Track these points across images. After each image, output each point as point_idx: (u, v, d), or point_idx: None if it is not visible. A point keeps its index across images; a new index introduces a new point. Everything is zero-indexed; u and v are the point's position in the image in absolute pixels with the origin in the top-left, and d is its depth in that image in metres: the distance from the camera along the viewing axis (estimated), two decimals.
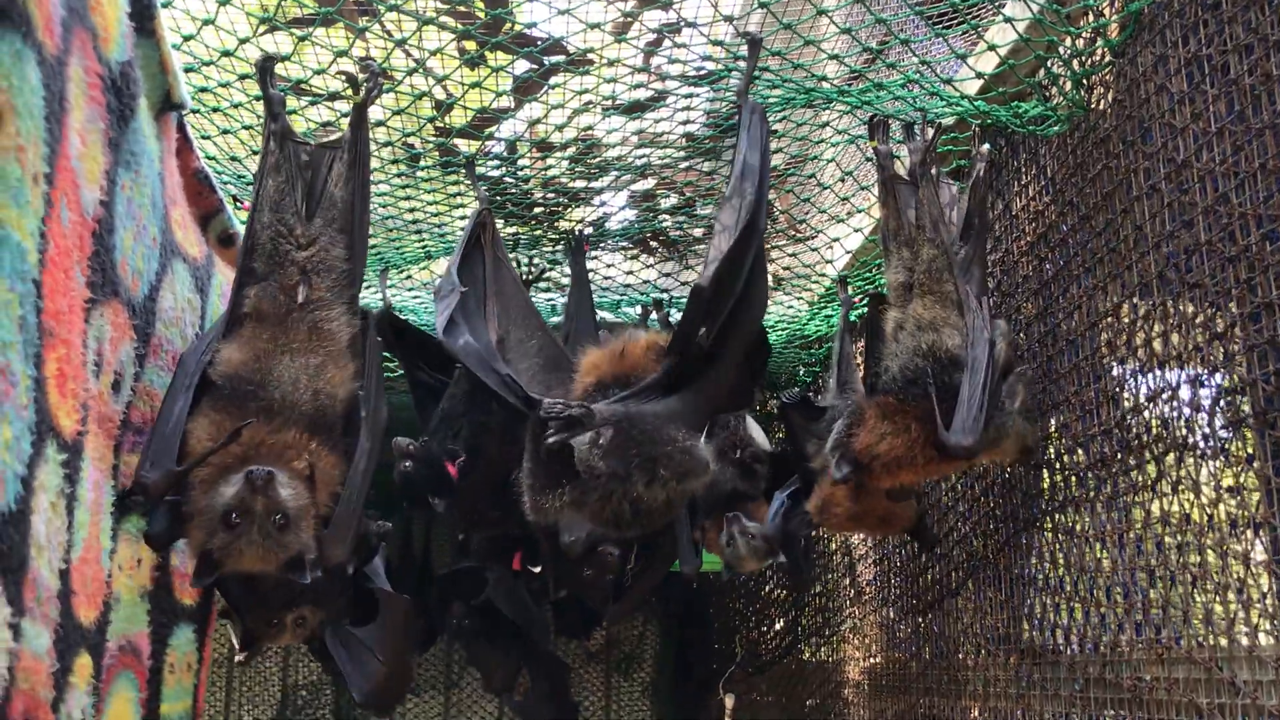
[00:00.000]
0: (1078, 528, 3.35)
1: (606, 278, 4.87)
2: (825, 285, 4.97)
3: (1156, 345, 2.91)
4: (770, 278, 5.00)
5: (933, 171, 3.38)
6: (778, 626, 6.70)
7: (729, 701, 7.03)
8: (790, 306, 5.23)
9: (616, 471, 2.58)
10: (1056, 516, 3.48)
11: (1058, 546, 3.42)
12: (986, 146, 3.63)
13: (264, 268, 2.89)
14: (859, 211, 4.33)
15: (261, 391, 2.80)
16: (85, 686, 2.57)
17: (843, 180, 4.29)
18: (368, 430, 2.95)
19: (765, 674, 6.77)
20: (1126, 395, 3.10)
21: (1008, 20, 3.16)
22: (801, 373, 6.12)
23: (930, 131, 3.49)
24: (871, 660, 5.17)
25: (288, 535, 2.71)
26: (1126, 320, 3.09)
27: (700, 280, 2.82)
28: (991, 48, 3.27)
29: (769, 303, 5.05)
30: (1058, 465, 3.45)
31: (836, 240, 4.58)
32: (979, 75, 3.35)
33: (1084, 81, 3.28)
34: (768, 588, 6.74)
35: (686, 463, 2.67)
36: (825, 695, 5.87)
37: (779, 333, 5.44)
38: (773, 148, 3.98)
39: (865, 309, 4.92)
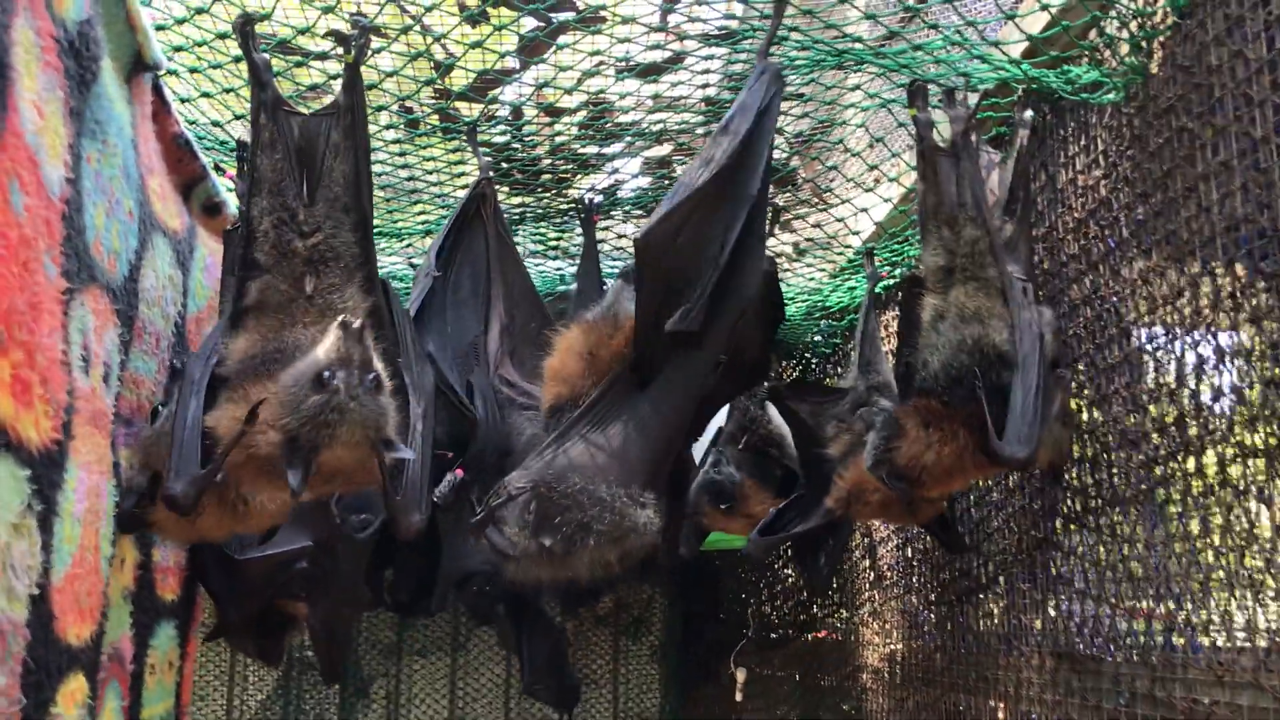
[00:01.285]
0: (1123, 529, 3.11)
1: (618, 248, 4.61)
2: (849, 255, 4.70)
3: (1224, 339, 2.65)
4: (791, 247, 4.74)
5: (974, 142, 3.10)
6: (791, 603, 6.51)
7: (740, 675, 6.86)
8: (811, 279, 4.95)
9: (545, 546, 2.55)
10: (1102, 516, 3.23)
11: (1102, 547, 3.17)
12: (1030, 113, 3.35)
13: (267, 259, 2.62)
14: (890, 180, 4.05)
15: (277, 358, 2.49)
16: (76, 712, 2.37)
17: (871, 146, 4.01)
18: (416, 397, 2.69)
19: (779, 649, 6.58)
20: (1186, 391, 2.84)
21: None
22: (821, 343, 5.87)
23: (973, 99, 3.21)
24: (892, 647, 4.96)
25: (381, 398, 2.38)
26: (1188, 310, 2.82)
27: (641, 231, 2.59)
28: (1044, 6, 2.97)
29: (785, 272, 4.81)
30: (1105, 461, 3.20)
31: (864, 211, 4.29)
32: (1028, 38, 3.06)
33: (1143, 45, 2.98)
34: (779, 563, 6.53)
35: (616, 528, 2.55)
36: (842, 678, 5.67)
37: (800, 304, 5.18)
38: (798, 112, 3.72)
39: (891, 284, 4.68)
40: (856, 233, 4.44)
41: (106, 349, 2.60)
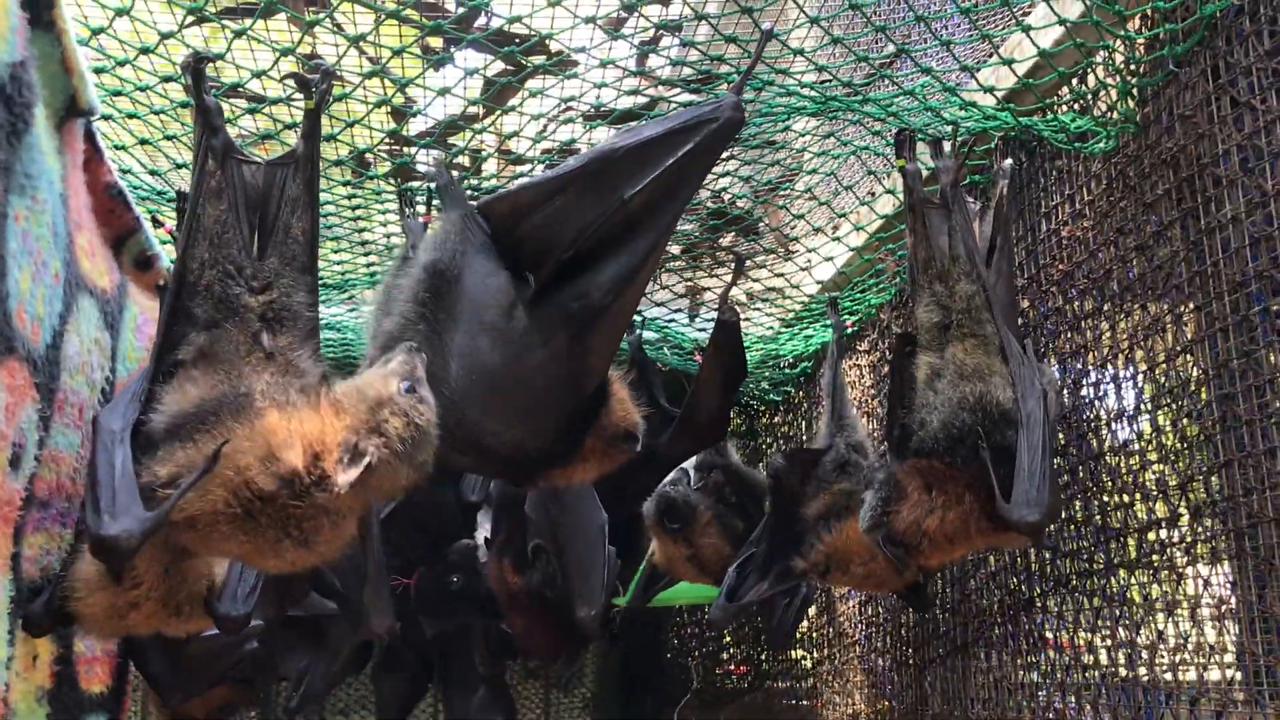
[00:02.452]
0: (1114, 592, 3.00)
1: None
2: (805, 302, 4.56)
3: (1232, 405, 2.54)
4: (744, 295, 4.59)
5: (963, 193, 2.98)
6: (741, 653, 6.32)
7: None
8: (768, 326, 4.81)
9: None
10: (1090, 580, 3.12)
11: (1101, 617, 3.05)
12: (1009, 162, 3.24)
13: (209, 313, 2.35)
14: (857, 229, 3.92)
15: (242, 404, 2.21)
16: None
17: (837, 194, 3.88)
18: None
19: (726, 703, 6.37)
20: (1182, 461, 2.74)
21: (1027, 31, 2.76)
22: (771, 394, 5.73)
23: (947, 147, 3.09)
24: (855, 707, 4.79)
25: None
26: (1192, 371, 2.72)
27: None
28: (1043, 55, 2.86)
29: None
30: (1091, 527, 3.09)
31: (828, 260, 4.16)
32: (1024, 84, 2.95)
33: (1134, 94, 2.89)
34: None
35: None
36: None
37: (753, 353, 5.03)
38: (769, 160, 3.58)
39: (855, 332, 4.56)
40: (820, 283, 4.30)
41: (20, 426, 2.31)
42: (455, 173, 2.90)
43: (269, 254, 2.40)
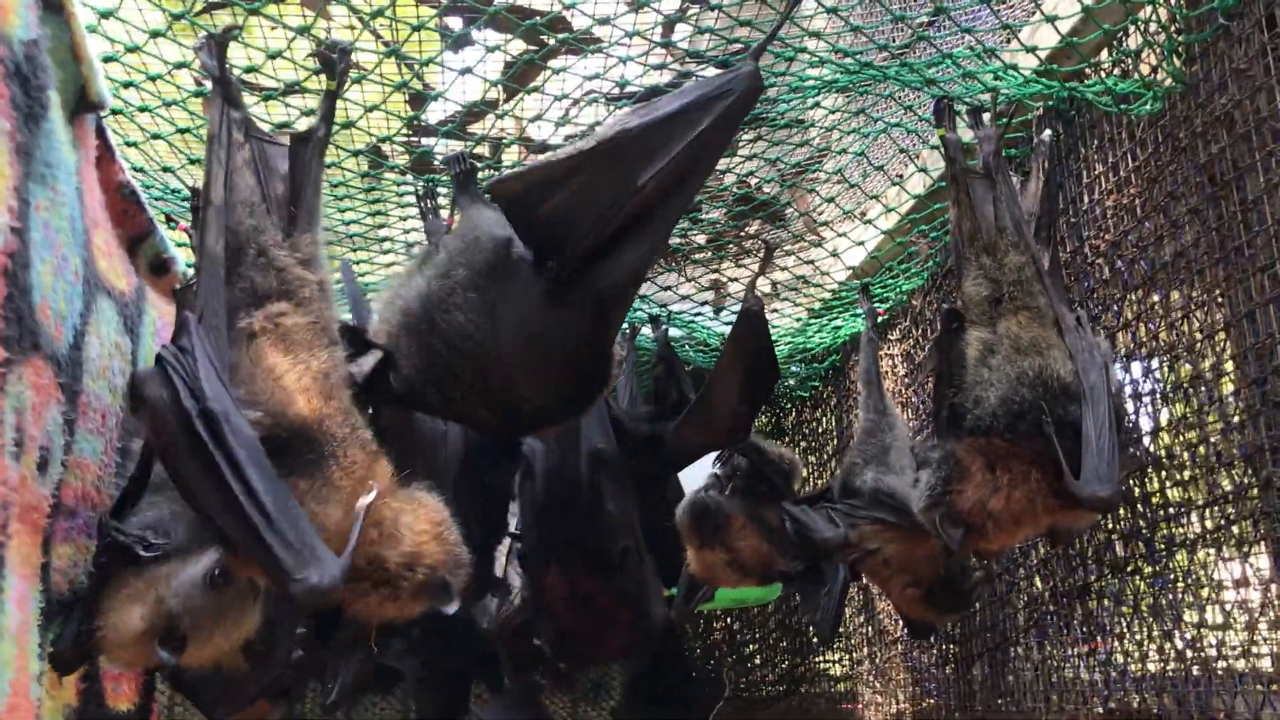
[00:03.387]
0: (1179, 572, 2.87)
1: None
2: (835, 291, 4.44)
3: None
4: (770, 285, 4.47)
5: (1005, 162, 2.88)
6: (776, 657, 6.18)
7: None
8: (796, 318, 4.68)
9: None
10: (1144, 564, 3.00)
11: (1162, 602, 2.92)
12: (1048, 133, 3.12)
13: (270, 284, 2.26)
14: (889, 210, 3.80)
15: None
16: None
17: (867, 177, 3.77)
18: None
19: (761, 709, 6.23)
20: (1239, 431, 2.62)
21: None
22: (799, 389, 5.60)
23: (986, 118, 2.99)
24: (899, 707, 4.66)
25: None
26: (1250, 341, 2.60)
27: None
28: (1086, 10, 2.75)
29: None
30: (1149, 503, 2.97)
31: (852, 241, 4.04)
32: (1067, 42, 2.83)
33: (1181, 51, 2.78)
34: (760, 615, 6.21)
35: None
36: None
37: (779, 347, 4.90)
38: (796, 141, 3.48)
39: (885, 320, 4.44)
40: (850, 269, 4.18)
41: (46, 429, 2.21)
42: (475, 162, 2.78)
43: (307, 233, 2.31)
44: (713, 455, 4.08)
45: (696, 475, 4.11)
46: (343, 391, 2.32)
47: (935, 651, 4.31)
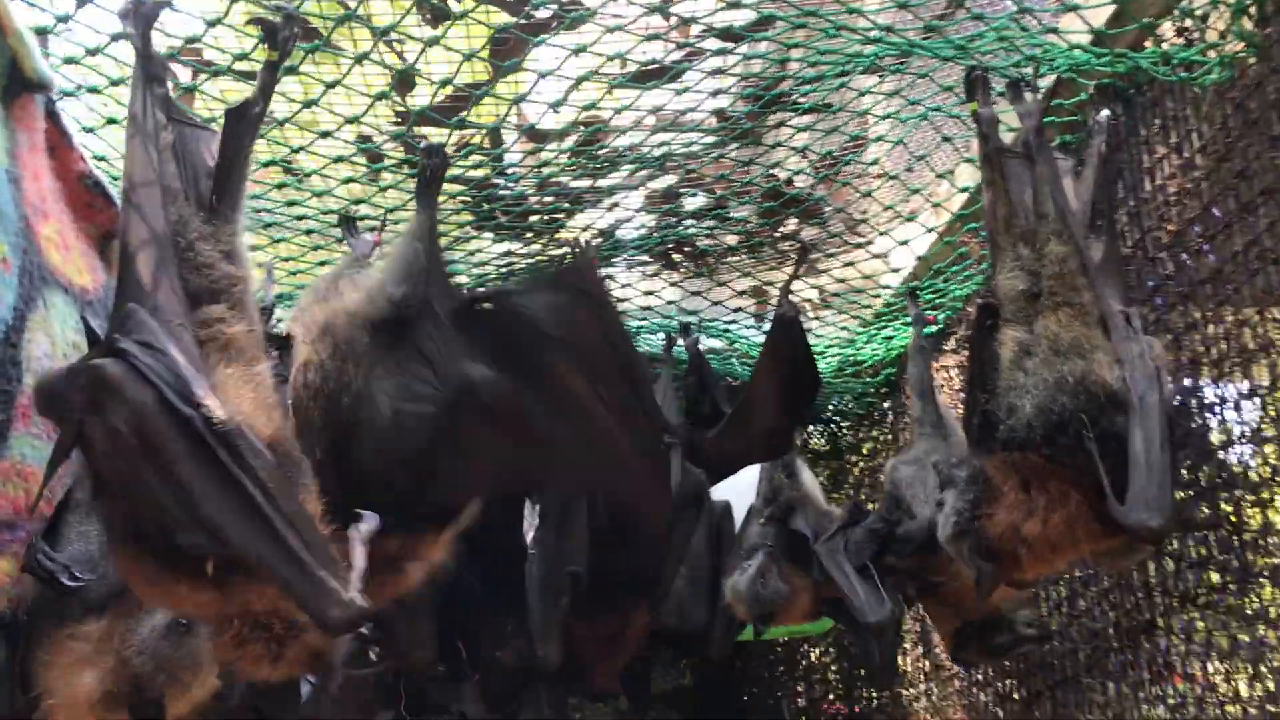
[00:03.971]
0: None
1: (621, 299, 4.04)
2: (885, 298, 4.12)
3: None
4: (816, 293, 4.17)
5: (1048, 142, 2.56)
6: (828, 692, 5.83)
7: None
8: (843, 328, 4.36)
9: None
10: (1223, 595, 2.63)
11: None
12: (1106, 112, 2.79)
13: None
14: (934, 206, 3.48)
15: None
16: None
17: (910, 169, 3.45)
18: None
19: None
20: None
21: None
22: (854, 406, 5.26)
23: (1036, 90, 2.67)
24: None
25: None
26: None
27: None
28: None
29: (811, 322, 4.24)
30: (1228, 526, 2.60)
31: (897, 241, 3.72)
32: None
33: (1251, 12, 2.44)
34: (815, 653, 5.86)
35: None
36: None
37: (828, 360, 4.59)
38: (825, 127, 3.19)
39: (939, 328, 4.11)
40: (895, 270, 3.85)
41: None
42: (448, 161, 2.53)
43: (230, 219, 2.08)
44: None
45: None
46: (285, 407, 2.10)
47: (993, 690, 3.94)
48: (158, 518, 1.77)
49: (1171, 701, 2.87)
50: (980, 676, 4.06)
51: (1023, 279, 2.41)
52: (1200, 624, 2.74)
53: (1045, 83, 2.89)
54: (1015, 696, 3.77)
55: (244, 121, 2.05)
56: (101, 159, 2.68)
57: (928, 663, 4.59)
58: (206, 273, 2.01)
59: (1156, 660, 2.93)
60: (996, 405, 2.35)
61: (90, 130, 2.61)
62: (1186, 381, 2.75)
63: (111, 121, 2.58)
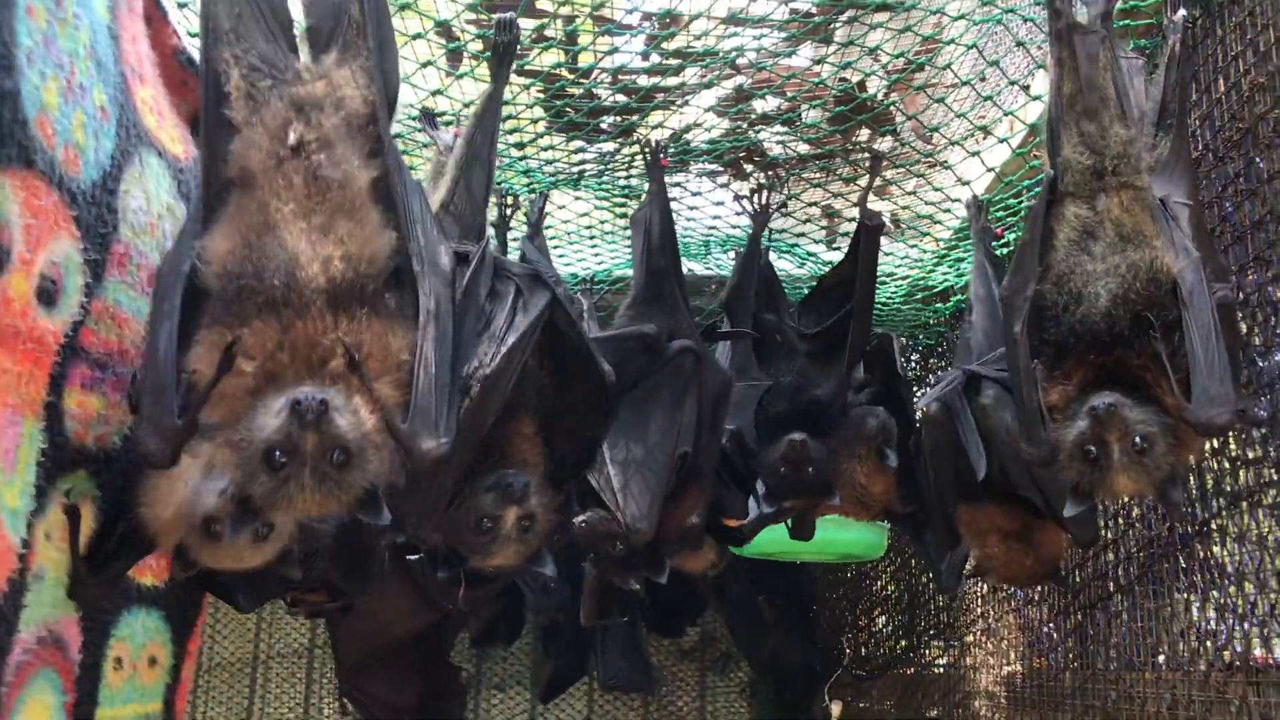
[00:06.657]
0: None
1: (692, 208, 4.08)
2: (955, 222, 4.10)
3: None
4: (888, 216, 4.15)
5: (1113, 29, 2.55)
6: (890, 626, 5.87)
7: (835, 709, 6.22)
8: (908, 255, 4.35)
9: None
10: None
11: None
12: (1182, 13, 2.77)
13: (242, 114, 2.15)
14: (1007, 114, 3.47)
15: (258, 282, 2.03)
16: None
17: (983, 78, 3.44)
18: (425, 287, 2.19)
19: (877, 679, 5.93)
20: None
21: None
22: (920, 337, 5.24)
23: None
24: (1010, 668, 4.32)
25: (352, 473, 2.01)
26: None
27: None
28: None
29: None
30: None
31: (968, 151, 3.69)
32: None
33: None
34: (880, 583, 5.90)
35: None
36: (950, 705, 5.02)
37: (897, 283, 4.58)
38: (898, 26, 3.19)
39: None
40: (966, 182, 3.83)
41: (51, 260, 2.13)
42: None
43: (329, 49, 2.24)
44: None
45: None
46: None
47: (1048, 605, 3.96)
48: None
49: (1223, 602, 2.89)
50: (1034, 594, 4.08)
51: (1088, 155, 2.41)
52: (1253, 524, 2.75)
53: None
54: (1070, 610, 3.79)
55: None
56: (195, 35, 2.79)
57: (984, 585, 4.61)
58: None
59: (1211, 564, 2.95)
60: (1059, 292, 2.35)
61: (184, 5, 2.72)
62: (1251, 278, 2.75)
63: None
